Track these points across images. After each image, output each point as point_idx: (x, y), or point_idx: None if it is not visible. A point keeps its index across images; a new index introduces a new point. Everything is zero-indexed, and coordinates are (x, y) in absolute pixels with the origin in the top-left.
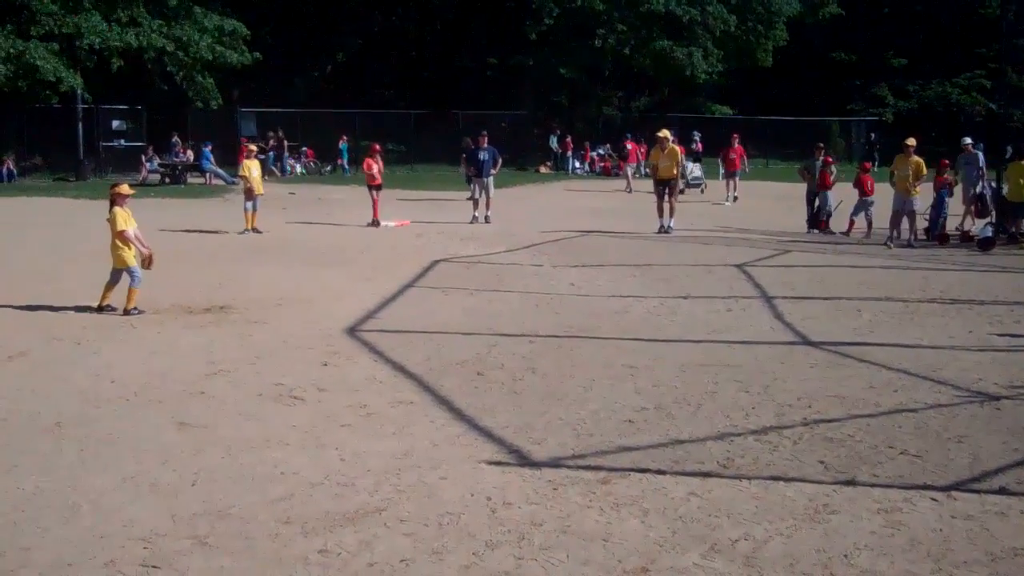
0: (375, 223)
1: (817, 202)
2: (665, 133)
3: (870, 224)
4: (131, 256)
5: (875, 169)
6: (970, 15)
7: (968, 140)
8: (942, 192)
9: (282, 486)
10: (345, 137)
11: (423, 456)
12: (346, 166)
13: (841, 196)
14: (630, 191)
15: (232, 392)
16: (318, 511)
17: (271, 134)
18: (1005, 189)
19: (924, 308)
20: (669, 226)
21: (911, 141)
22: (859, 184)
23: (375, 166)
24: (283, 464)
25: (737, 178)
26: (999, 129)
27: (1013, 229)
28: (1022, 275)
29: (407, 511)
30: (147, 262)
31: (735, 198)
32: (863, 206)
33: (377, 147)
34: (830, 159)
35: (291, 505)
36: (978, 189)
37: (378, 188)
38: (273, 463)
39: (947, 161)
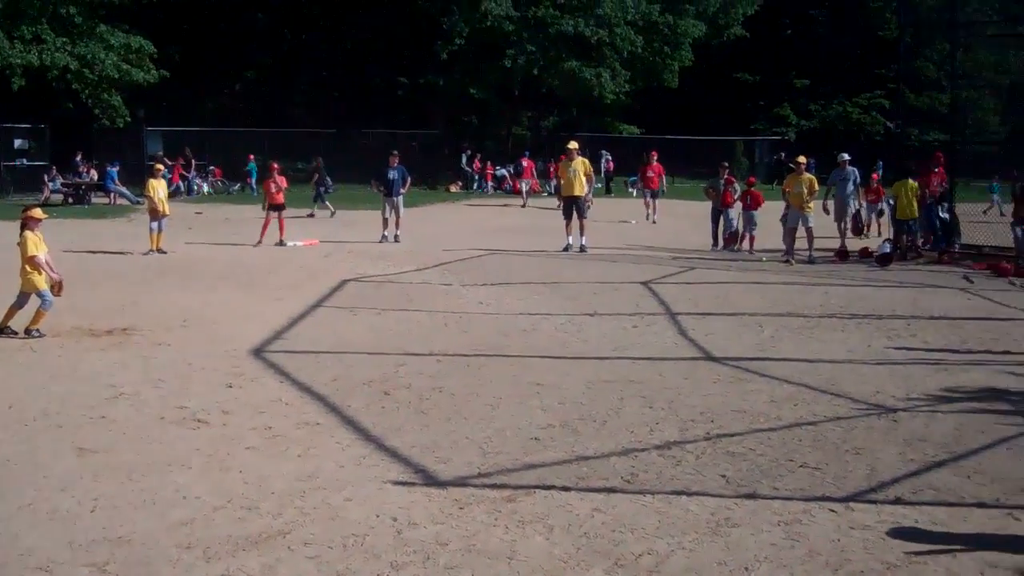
0: (282, 243)
1: (721, 220)
2: (574, 145)
3: (752, 239)
4: (41, 280)
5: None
6: (870, 37)
7: (845, 156)
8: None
9: (183, 510)
10: (252, 156)
11: (328, 478)
12: (253, 185)
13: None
14: (524, 206)
15: (134, 416)
16: (220, 535)
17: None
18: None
19: (824, 323)
20: (582, 246)
21: (802, 159)
22: (744, 199)
23: (274, 185)
24: (185, 488)
25: (656, 199)
26: (898, 148)
27: (909, 245)
28: (918, 289)
29: (311, 534)
30: (56, 288)
31: (653, 221)
32: (751, 220)
33: (275, 166)
34: (732, 178)
35: (192, 530)
36: (852, 206)
37: (281, 208)
38: (175, 487)
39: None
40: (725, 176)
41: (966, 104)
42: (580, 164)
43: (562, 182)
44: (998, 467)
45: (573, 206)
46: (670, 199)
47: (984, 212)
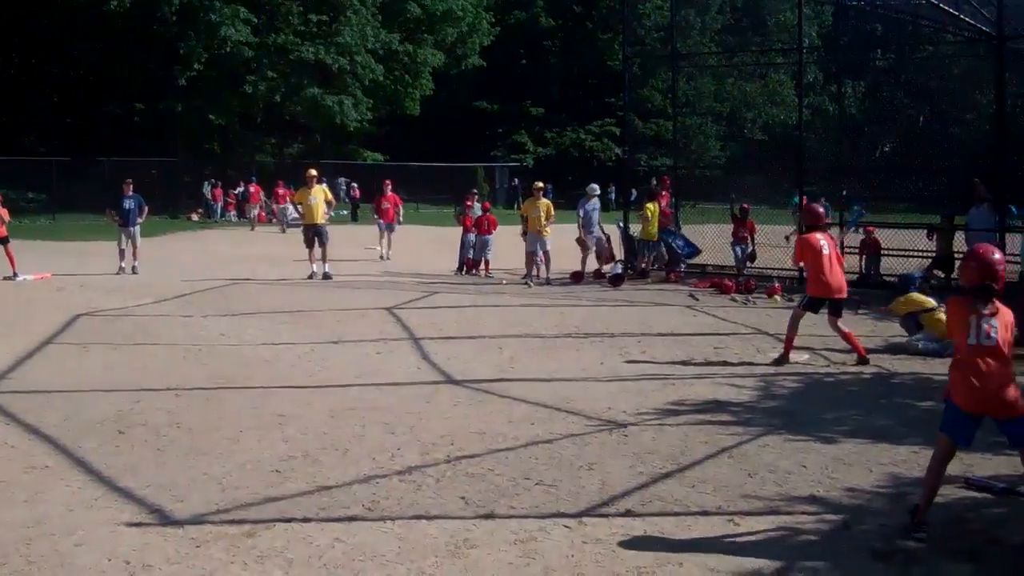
0: (13, 276)
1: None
2: (313, 172)
3: (487, 263)
4: None
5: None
6: (599, 68)
7: (594, 186)
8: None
9: None
10: None
11: (57, 523)
12: None
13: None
14: (253, 229)
15: None
16: None
17: None
18: (634, 229)
19: (560, 342)
20: (326, 273)
21: (539, 185)
22: (481, 223)
23: None
24: None
25: (392, 232)
26: (627, 173)
27: (644, 265)
28: (647, 308)
29: None
30: None
31: (387, 257)
32: (486, 245)
33: None
34: (470, 203)
35: None
36: (596, 232)
37: (4, 240)
38: None
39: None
40: (469, 202)
41: (688, 131)
42: (321, 192)
43: (302, 210)
44: (720, 476)
45: (315, 234)
46: (413, 225)
47: (787, 238)
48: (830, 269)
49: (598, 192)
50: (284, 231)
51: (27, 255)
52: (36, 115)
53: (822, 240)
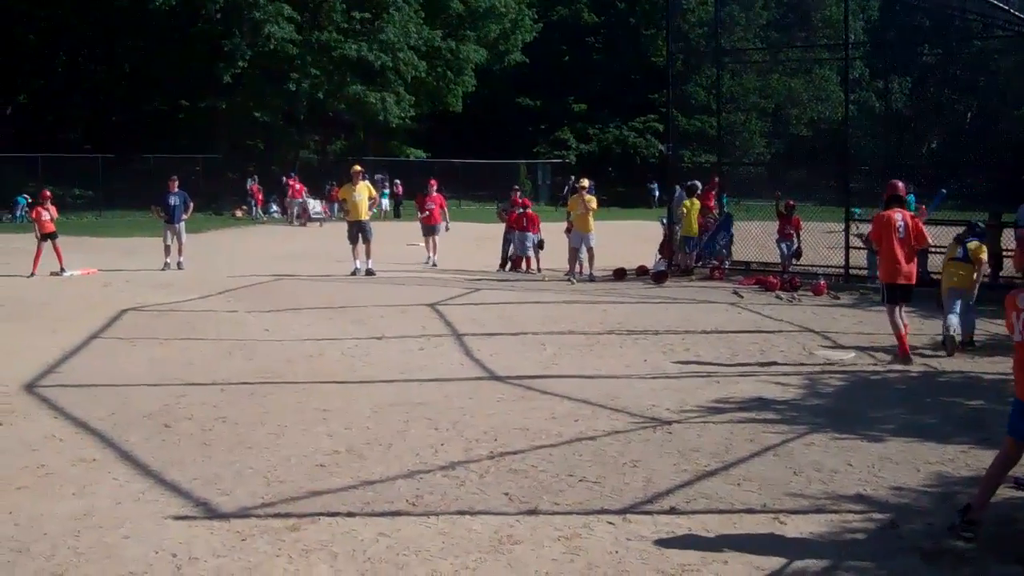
0: (61, 271)
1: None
2: (358, 168)
3: (528, 260)
4: None
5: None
6: (642, 63)
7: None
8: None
9: None
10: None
11: (105, 515)
12: (22, 213)
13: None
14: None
15: None
16: None
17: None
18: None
19: (603, 340)
20: (368, 269)
21: (584, 182)
22: (521, 221)
23: (45, 213)
24: None
25: (437, 236)
26: (670, 170)
27: (687, 262)
28: (691, 305)
29: (86, 574)
30: None
31: (434, 263)
32: (524, 241)
33: (47, 194)
34: (518, 201)
35: None
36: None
37: (53, 236)
38: None
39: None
40: (512, 199)
41: (733, 127)
42: (365, 188)
43: (347, 206)
44: (765, 473)
45: (359, 230)
46: (457, 221)
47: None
48: (901, 251)
49: (698, 190)
50: (295, 224)
51: (74, 251)
52: (81, 113)
53: (899, 220)
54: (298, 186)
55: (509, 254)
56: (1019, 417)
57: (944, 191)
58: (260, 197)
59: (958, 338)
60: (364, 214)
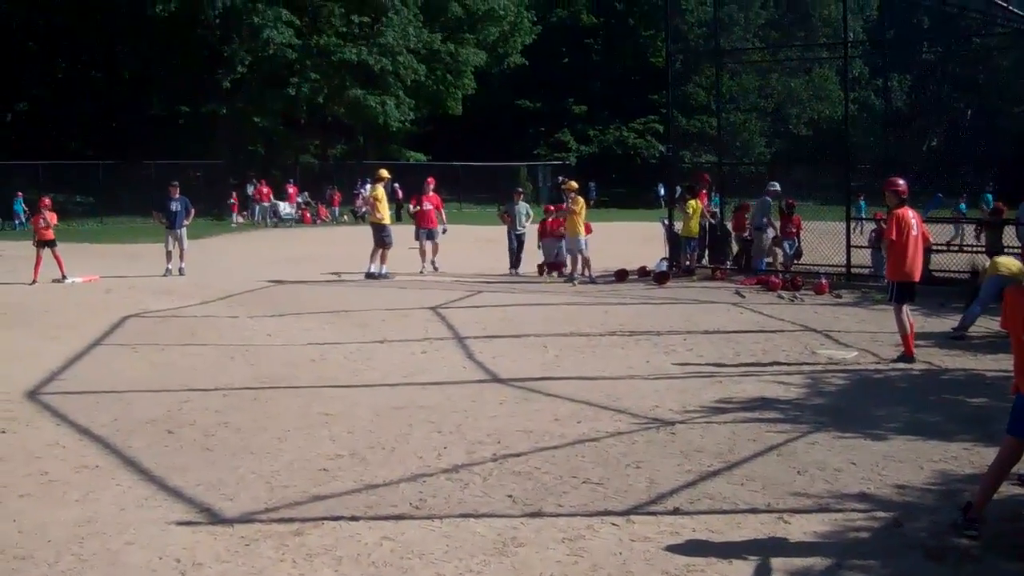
0: (62, 279)
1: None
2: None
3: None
4: None
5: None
6: (642, 65)
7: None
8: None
9: None
10: (20, 193)
11: (108, 522)
12: (22, 220)
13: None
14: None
15: None
16: None
17: None
18: (678, 226)
19: (605, 341)
20: (379, 272)
21: (573, 184)
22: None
23: (42, 221)
24: None
25: (436, 240)
26: (671, 170)
27: (687, 263)
28: (693, 306)
29: None
30: None
31: (435, 267)
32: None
33: (47, 201)
34: (550, 208)
35: None
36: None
37: (52, 244)
38: None
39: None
40: (520, 201)
41: (733, 127)
42: (381, 192)
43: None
44: (769, 473)
45: (384, 234)
46: (455, 224)
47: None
48: (914, 251)
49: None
50: (268, 225)
51: (75, 258)
52: (82, 119)
53: (913, 219)
54: (266, 190)
55: (546, 260)
56: (1019, 415)
57: (940, 195)
58: (268, 196)
59: None
60: (388, 218)
